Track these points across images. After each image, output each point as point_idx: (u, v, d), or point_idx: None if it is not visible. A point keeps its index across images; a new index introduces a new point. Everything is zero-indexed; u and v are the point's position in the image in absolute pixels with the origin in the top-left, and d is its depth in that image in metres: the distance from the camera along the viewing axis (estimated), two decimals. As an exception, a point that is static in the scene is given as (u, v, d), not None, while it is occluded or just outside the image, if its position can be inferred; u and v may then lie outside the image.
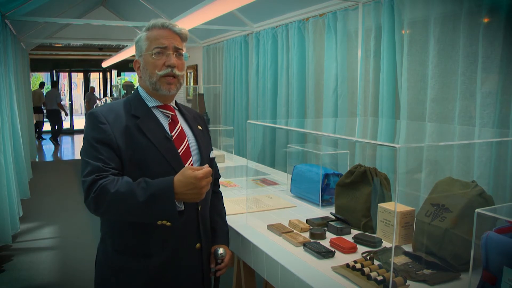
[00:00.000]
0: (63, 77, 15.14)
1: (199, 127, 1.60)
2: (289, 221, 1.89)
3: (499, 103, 2.12)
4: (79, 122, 11.94)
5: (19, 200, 4.49)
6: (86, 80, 14.45)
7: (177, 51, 1.46)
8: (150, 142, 1.38)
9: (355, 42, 3.08)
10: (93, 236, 4.27)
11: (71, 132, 13.44)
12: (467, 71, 2.22)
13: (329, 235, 1.76)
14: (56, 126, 11.24)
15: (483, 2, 2.11)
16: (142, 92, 1.50)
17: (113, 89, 14.26)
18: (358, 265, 1.39)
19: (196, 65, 7.06)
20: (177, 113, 1.55)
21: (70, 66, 14.12)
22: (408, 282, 1.33)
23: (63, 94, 14.41)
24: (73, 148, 10.98)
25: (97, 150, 1.33)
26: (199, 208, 1.47)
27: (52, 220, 4.77)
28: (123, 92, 7.44)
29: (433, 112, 2.39)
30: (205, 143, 1.57)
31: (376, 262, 1.47)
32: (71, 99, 14.44)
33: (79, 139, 11.40)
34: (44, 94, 11.27)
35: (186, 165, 1.45)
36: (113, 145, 1.34)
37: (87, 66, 14.19)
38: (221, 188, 1.81)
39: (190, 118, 1.59)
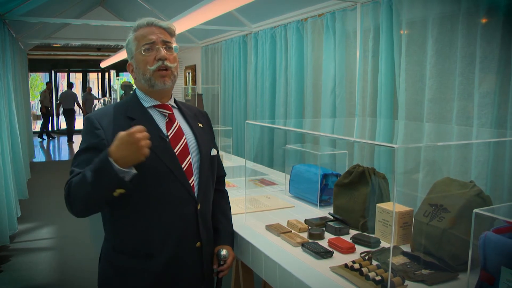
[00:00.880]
0: (62, 77, 15.11)
1: (200, 125, 1.59)
2: (288, 221, 1.89)
3: (497, 103, 2.12)
4: (77, 123, 11.96)
5: (17, 200, 4.48)
6: (85, 80, 14.43)
7: (166, 44, 1.46)
8: None
9: (353, 42, 3.08)
10: (92, 236, 4.27)
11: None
12: (465, 71, 2.22)
13: (328, 235, 1.76)
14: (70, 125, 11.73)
15: (481, 3, 2.11)
16: (139, 93, 1.50)
17: (112, 89, 14.26)
18: (356, 265, 1.40)
19: (195, 65, 7.05)
20: (175, 111, 1.55)
21: (68, 66, 14.10)
22: (406, 282, 1.33)
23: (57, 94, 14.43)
24: (71, 148, 10.99)
25: (86, 157, 1.35)
26: (198, 207, 1.47)
27: (50, 221, 4.77)
28: (122, 92, 7.43)
29: (431, 112, 2.40)
30: (205, 141, 1.56)
31: (374, 262, 1.47)
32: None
33: (77, 139, 11.48)
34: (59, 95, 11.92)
35: (184, 163, 1.44)
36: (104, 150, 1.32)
37: (86, 66, 14.17)
38: (220, 188, 1.80)
39: (190, 116, 1.58)
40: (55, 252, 3.94)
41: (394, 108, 2.75)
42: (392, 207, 1.68)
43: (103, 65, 10.64)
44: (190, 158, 1.47)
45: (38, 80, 15.60)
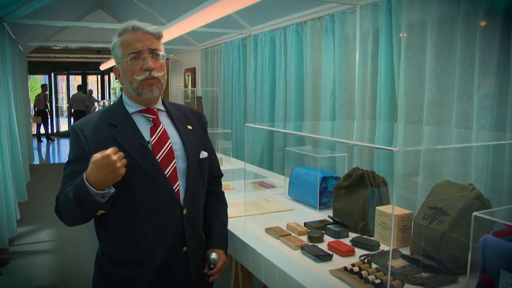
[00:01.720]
0: (61, 80, 15.11)
1: (189, 127, 1.55)
2: (287, 224, 1.89)
3: (496, 106, 2.12)
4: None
5: (17, 203, 4.47)
6: (84, 83, 14.43)
7: (153, 52, 1.42)
8: (124, 150, 1.35)
9: (352, 45, 3.09)
10: (91, 239, 4.26)
11: (69, 135, 13.44)
12: (464, 74, 2.22)
13: (327, 238, 1.76)
14: None
15: (480, 6, 2.12)
16: (125, 98, 1.49)
17: (111, 91, 14.27)
18: (356, 268, 1.40)
19: (194, 68, 7.06)
20: (162, 115, 1.52)
21: (68, 68, 14.11)
22: (406, 285, 1.33)
23: (60, 96, 14.45)
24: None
25: (72, 169, 1.39)
26: (185, 212, 1.44)
27: (50, 223, 4.75)
28: (121, 94, 7.44)
29: (431, 115, 2.40)
30: (193, 144, 1.52)
31: (374, 265, 1.47)
32: (69, 102, 14.45)
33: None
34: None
35: (168, 168, 1.43)
36: (88, 160, 1.31)
37: (85, 69, 14.18)
38: (219, 191, 1.78)
39: (179, 118, 1.54)
40: (54, 255, 3.93)
41: (393, 110, 2.75)
42: (391, 210, 1.68)
43: (102, 67, 10.64)
44: (175, 163, 1.44)
45: (38, 83, 15.60)
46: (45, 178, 7.18)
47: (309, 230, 1.81)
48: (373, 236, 1.77)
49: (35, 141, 11.28)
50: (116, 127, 1.41)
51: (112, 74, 14.40)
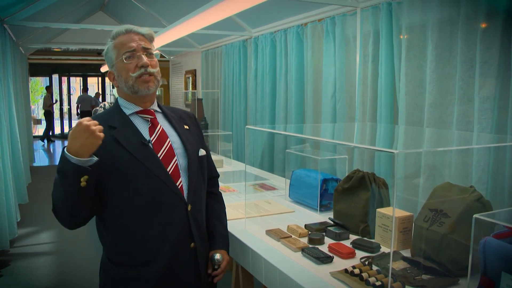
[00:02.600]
0: (62, 82, 15.12)
1: (186, 127, 1.58)
2: (288, 226, 1.89)
3: (497, 108, 2.12)
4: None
5: (17, 204, 4.47)
6: (85, 85, 14.43)
7: (147, 51, 1.47)
8: (125, 150, 1.38)
9: (353, 47, 3.09)
10: (91, 241, 4.26)
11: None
12: (464, 76, 2.22)
13: (328, 240, 1.76)
14: None
15: (480, 8, 2.12)
16: (120, 100, 1.51)
17: (111, 93, 14.30)
18: (356, 271, 1.39)
19: (195, 70, 7.07)
20: (159, 115, 1.55)
21: (68, 70, 14.13)
22: (407, 287, 1.32)
23: (60, 98, 14.47)
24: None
25: None
26: (189, 208, 1.45)
27: (50, 225, 4.75)
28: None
29: (431, 117, 2.40)
30: (192, 142, 1.55)
31: (374, 268, 1.47)
32: (69, 104, 14.46)
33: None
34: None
35: (170, 166, 1.44)
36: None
37: (86, 71, 14.19)
38: (220, 193, 1.79)
39: (175, 119, 1.58)
40: (55, 256, 3.93)
41: (394, 112, 2.75)
42: (392, 212, 1.68)
43: (103, 69, 10.67)
44: (176, 160, 1.47)
45: (39, 85, 15.61)
46: (46, 180, 7.18)
47: (309, 232, 1.81)
48: (373, 238, 1.77)
49: (36, 143, 11.29)
50: (116, 128, 1.42)
51: (112, 76, 14.46)
